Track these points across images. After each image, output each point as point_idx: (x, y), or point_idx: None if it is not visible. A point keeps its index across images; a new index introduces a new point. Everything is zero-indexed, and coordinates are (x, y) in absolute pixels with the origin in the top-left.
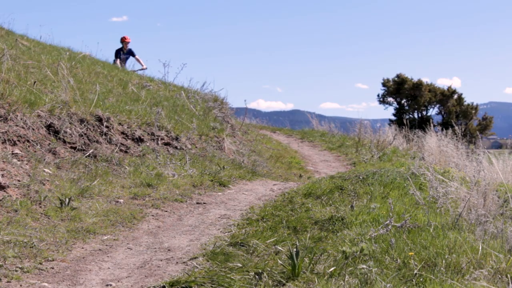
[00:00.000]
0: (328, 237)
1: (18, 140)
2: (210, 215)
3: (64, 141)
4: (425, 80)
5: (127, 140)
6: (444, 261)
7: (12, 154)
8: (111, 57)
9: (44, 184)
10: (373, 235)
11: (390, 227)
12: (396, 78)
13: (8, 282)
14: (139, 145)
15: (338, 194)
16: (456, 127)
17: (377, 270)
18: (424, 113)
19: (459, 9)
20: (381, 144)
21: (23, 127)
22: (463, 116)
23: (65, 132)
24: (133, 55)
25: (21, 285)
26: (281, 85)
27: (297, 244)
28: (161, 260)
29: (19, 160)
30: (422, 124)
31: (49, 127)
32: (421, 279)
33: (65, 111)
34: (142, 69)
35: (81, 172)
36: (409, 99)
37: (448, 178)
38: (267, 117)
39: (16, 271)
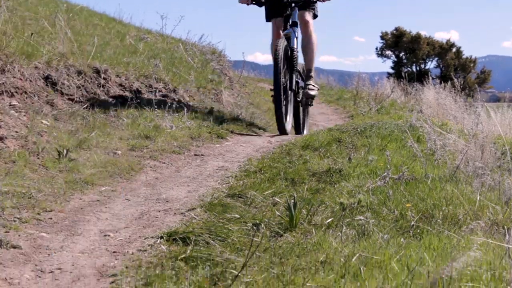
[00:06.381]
0: (326, 189)
1: (16, 92)
2: (208, 166)
3: (62, 93)
4: (424, 33)
5: (124, 92)
6: (441, 213)
7: (10, 105)
8: (108, 10)
9: (42, 136)
10: (370, 187)
11: (387, 179)
12: (394, 31)
13: (6, 232)
14: (137, 97)
15: (336, 146)
16: (455, 80)
17: (375, 222)
18: (423, 66)
19: None
20: (379, 97)
21: (20, 79)
22: (461, 70)
23: (63, 84)
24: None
25: (19, 235)
26: None
27: (295, 196)
28: (159, 211)
29: (16, 112)
30: (421, 77)
31: (46, 78)
32: (418, 231)
33: (63, 63)
34: None
35: (79, 123)
36: (408, 52)
37: (446, 130)
38: (265, 70)
39: (15, 221)
